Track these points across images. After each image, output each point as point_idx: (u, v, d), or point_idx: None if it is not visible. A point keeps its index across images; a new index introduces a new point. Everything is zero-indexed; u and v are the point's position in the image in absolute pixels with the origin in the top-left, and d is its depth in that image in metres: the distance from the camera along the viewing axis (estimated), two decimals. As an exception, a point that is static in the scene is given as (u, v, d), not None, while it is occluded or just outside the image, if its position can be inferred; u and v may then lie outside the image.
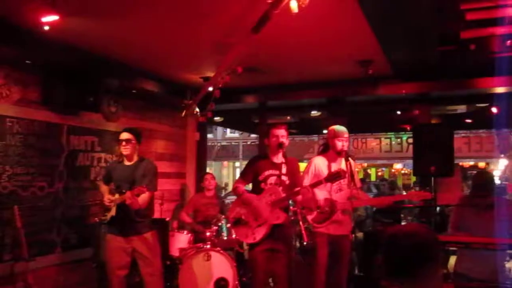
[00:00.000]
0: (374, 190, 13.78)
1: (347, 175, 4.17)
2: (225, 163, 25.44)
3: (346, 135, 4.48)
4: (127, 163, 4.28)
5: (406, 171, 22.97)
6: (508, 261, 4.26)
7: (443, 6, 3.60)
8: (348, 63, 4.93)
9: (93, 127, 5.14)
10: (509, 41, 4.09)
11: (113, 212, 4.17)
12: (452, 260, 4.29)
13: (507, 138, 15.50)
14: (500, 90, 5.63)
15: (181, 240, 5.37)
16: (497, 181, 19.27)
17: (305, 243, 3.58)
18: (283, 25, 3.71)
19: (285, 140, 4.26)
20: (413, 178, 21.91)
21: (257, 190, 4.33)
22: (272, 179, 4.28)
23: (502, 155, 17.88)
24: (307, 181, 4.39)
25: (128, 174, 4.26)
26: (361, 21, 3.78)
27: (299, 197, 4.06)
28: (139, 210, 4.33)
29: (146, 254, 4.29)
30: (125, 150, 4.21)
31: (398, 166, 22.71)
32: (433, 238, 1.70)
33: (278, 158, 4.31)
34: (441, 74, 5.27)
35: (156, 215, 5.52)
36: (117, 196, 4.14)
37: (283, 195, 4.11)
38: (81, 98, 4.75)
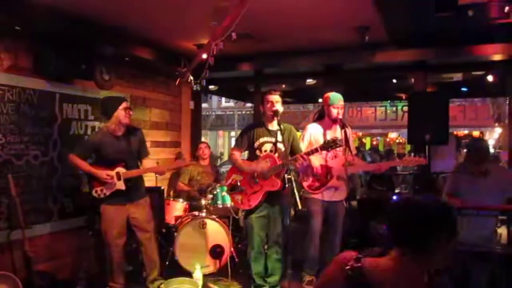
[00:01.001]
0: (369, 159, 13.86)
1: (342, 143, 4.19)
2: (221, 132, 25.44)
3: (342, 102, 4.48)
4: (117, 133, 4.26)
5: (400, 140, 23.10)
6: (499, 227, 4.34)
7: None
8: (345, 29, 4.86)
9: (86, 95, 5.07)
10: (507, 7, 4.03)
11: (121, 185, 4.19)
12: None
13: (502, 107, 15.56)
14: (497, 57, 5.58)
15: (177, 208, 5.41)
16: (491, 149, 19.48)
17: (299, 209, 3.61)
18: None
19: (280, 107, 4.25)
20: (408, 147, 22.07)
21: (252, 157, 4.35)
22: (268, 146, 4.30)
23: (497, 124, 17.96)
24: (302, 148, 4.40)
25: (124, 146, 4.26)
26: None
27: (296, 164, 4.08)
28: (139, 178, 4.38)
29: (142, 220, 4.35)
30: (128, 118, 4.22)
31: (393, 135, 22.80)
32: (447, 209, 1.69)
33: (273, 125, 4.31)
34: (438, 41, 5.20)
35: (152, 183, 5.56)
36: (121, 170, 4.18)
37: (279, 162, 4.13)
38: (73, 66, 4.66)
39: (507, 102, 7.91)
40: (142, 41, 5.39)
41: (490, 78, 6.75)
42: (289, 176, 3.75)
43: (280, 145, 4.24)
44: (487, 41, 5.12)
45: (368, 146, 22.70)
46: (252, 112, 9.75)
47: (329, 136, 4.33)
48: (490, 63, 5.77)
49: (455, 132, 17.38)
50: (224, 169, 13.10)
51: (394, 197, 5.62)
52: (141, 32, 5.06)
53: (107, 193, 4.19)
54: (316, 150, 4.07)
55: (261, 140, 4.30)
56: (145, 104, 6.13)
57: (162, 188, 5.73)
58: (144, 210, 4.41)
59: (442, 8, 4.15)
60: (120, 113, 4.20)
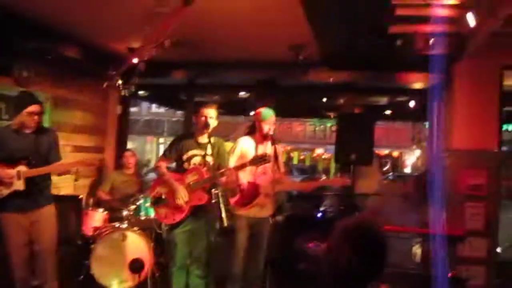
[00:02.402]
0: (295, 173, 14.16)
1: (272, 159, 4.18)
2: (149, 138, 24.78)
3: (273, 119, 4.48)
4: (26, 131, 3.91)
5: (326, 156, 23.94)
6: (413, 246, 4.57)
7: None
8: (280, 46, 4.90)
9: (1, 92, 4.65)
10: (431, 40, 4.29)
11: (20, 186, 3.80)
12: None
13: (422, 130, 16.70)
14: (419, 85, 5.92)
15: (95, 218, 5.09)
16: (409, 170, 20.72)
17: (224, 225, 3.52)
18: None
19: (213, 121, 4.16)
20: (333, 164, 22.93)
21: (180, 169, 4.21)
22: (196, 160, 4.18)
23: (415, 146, 19.17)
24: (232, 162, 4.34)
25: (31, 144, 3.88)
26: (296, 5, 3.73)
27: (223, 179, 4.00)
28: (42, 181, 4.00)
29: (43, 231, 3.96)
30: (33, 123, 3.84)
31: (319, 151, 23.56)
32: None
33: (204, 138, 4.21)
34: (368, 65, 5.41)
35: (69, 191, 5.21)
36: (22, 168, 3.79)
37: (206, 176, 4.03)
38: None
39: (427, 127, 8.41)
40: (69, 39, 5.07)
41: (412, 103, 7.16)
42: (217, 191, 3.66)
43: (209, 159, 4.14)
44: (413, 69, 5.40)
45: (295, 160, 23.25)
46: (183, 120, 9.57)
47: (260, 151, 4.31)
48: (413, 90, 6.09)
49: (376, 151, 18.25)
50: (150, 177, 12.73)
51: (319, 215, 5.73)
52: (68, 29, 4.76)
53: (4, 194, 3.78)
54: (245, 165, 4.03)
55: (190, 153, 4.18)
56: (67, 106, 5.76)
57: (80, 196, 5.37)
58: (47, 220, 3.98)
59: (374, 35, 4.33)
60: (24, 117, 3.84)
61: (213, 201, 3.83)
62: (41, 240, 3.94)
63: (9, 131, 3.88)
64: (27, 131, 3.87)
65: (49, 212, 4.00)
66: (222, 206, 3.58)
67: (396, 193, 4.23)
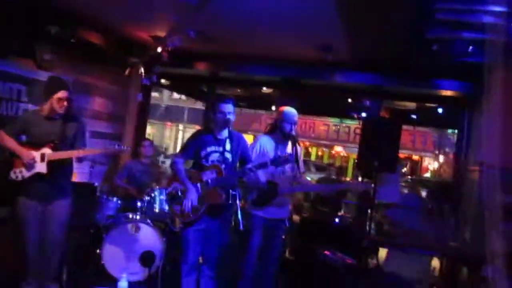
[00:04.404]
0: (313, 169, 13.95)
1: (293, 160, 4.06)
2: (168, 123, 24.80)
3: (296, 118, 4.34)
4: (52, 115, 3.85)
5: (345, 154, 23.69)
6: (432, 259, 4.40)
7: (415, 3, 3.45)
8: (308, 44, 4.73)
9: (22, 74, 4.59)
10: (471, 47, 4.06)
11: (42, 169, 3.76)
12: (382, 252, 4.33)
13: (447, 138, 16.45)
14: (450, 93, 5.68)
15: (110, 207, 5.03)
16: (428, 175, 20.35)
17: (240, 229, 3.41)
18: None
19: (232, 116, 4.03)
20: (351, 161, 22.67)
21: (198, 167, 4.09)
22: (215, 156, 4.05)
23: (437, 152, 18.80)
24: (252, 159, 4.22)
25: (57, 129, 3.83)
26: (329, 4, 3.56)
27: (243, 178, 3.89)
28: (65, 168, 3.96)
29: (56, 223, 3.91)
30: (62, 109, 3.80)
31: (338, 148, 23.31)
32: None
33: (223, 134, 4.08)
34: (399, 69, 5.20)
35: (85, 178, 5.15)
36: (47, 151, 3.74)
37: (225, 173, 3.91)
38: (10, 40, 4.19)
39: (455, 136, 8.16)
40: (92, 25, 4.98)
41: (440, 110, 6.92)
42: (234, 192, 3.53)
43: (228, 155, 4.02)
44: (445, 76, 5.18)
45: (313, 157, 23.07)
46: (204, 110, 9.46)
47: (280, 151, 4.18)
48: (443, 97, 5.86)
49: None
50: (167, 164, 12.70)
51: (336, 220, 5.58)
52: (92, 15, 4.66)
53: (25, 176, 3.74)
54: (265, 165, 3.89)
55: (209, 149, 4.05)
56: (88, 92, 5.70)
57: (95, 184, 5.31)
58: (60, 216, 3.93)
59: (409, 39, 4.12)
60: (54, 102, 3.80)
61: (230, 201, 3.72)
62: (48, 236, 3.90)
63: (37, 116, 3.85)
64: (56, 116, 3.82)
65: (64, 207, 3.95)
66: (239, 209, 3.46)
67: (417, 208, 4.06)
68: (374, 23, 3.97)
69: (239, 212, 3.45)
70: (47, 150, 3.78)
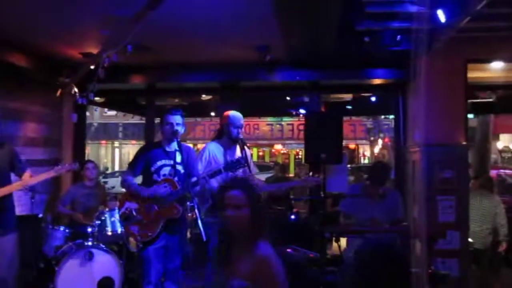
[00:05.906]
0: (257, 170, 14.01)
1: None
2: (103, 142, 23.93)
3: (242, 121, 4.34)
4: None
5: (285, 151, 24.14)
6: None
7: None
8: (245, 47, 4.75)
9: None
10: (398, 36, 4.28)
11: None
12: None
13: (380, 124, 17.22)
14: (382, 81, 5.94)
15: (57, 236, 4.77)
16: (366, 162, 21.19)
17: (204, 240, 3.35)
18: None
19: (180, 128, 3.96)
20: (292, 159, 23.13)
21: (148, 182, 3.97)
22: (166, 170, 3.97)
23: (372, 138, 19.62)
24: (201, 169, 4.16)
25: None
26: (263, 4, 3.59)
27: (197, 188, 3.82)
28: (8, 202, 3.69)
29: (4, 261, 3.65)
30: None
31: (278, 146, 23.69)
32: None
33: (172, 146, 4.01)
34: (334, 63, 5.35)
35: (27, 210, 4.83)
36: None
37: (179, 187, 3.83)
38: None
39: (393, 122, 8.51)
40: (17, 46, 4.69)
41: (373, 98, 7.22)
42: (192, 204, 3.47)
43: (179, 167, 3.95)
44: (378, 65, 5.41)
45: (255, 157, 23.27)
46: (141, 122, 9.20)
47: (229, 156, 4.16)
48: (377, 86, 6.12)
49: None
50: (110, 185, 12.25)
51: (292, 217, 5.65)
52: (15, 35, 4.39)
53: None
54: (219, 172, 3.86)
55: (159, 163, 3.96)
56: (18, 117, 5.35)
57: (39, 215, 5.00)
58: (8, 251, 3.69)
59: (341, 33, 4.26)
60: None
61: (189, 214, 3.65)
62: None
63: None
64: None
65: (10, 242, 3.71)
66: (199, 218, 3.40)
67: (373, 195, 4.22)
68: (307, 19, 4.06)
69: (199, 222, 3.38)
70: None
